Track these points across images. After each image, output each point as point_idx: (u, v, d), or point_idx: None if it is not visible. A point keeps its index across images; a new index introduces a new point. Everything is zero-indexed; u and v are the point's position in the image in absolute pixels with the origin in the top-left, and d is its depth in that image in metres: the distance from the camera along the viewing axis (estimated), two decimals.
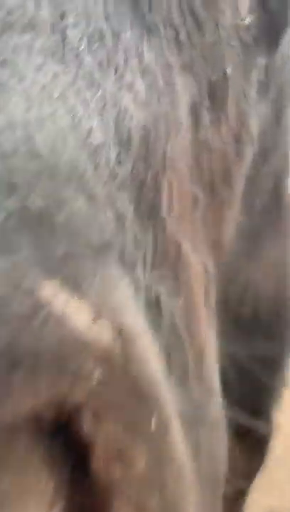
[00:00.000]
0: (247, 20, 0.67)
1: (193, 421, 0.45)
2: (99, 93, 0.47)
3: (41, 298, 0.31)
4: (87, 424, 0.32)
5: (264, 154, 0.81)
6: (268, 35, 0.71)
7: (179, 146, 0.55)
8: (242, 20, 0.67)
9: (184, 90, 0.58)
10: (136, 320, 0.38)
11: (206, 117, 0.61)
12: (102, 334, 0.33)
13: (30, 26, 0.48)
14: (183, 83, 0.58)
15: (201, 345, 0.54)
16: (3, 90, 0.43)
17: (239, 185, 0.71)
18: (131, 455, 0.34)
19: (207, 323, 0.59)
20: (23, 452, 0.31)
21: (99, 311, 0.33)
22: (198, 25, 0.61)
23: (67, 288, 0.32)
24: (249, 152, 0.71)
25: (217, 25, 0.63)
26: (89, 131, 0.44)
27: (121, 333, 0.34)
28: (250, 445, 1.26)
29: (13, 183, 0.36)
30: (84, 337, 0.32)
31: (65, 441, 0.32)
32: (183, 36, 0.59)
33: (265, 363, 1.07)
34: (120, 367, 0.34)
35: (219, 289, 0.69)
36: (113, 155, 0.45)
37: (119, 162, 0.46)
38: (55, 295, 0.32)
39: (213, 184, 0.63)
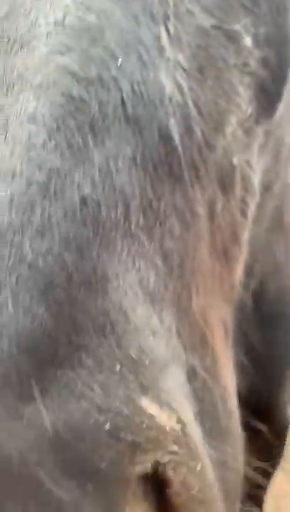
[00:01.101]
0: (249, 111, 0.73)
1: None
2: None
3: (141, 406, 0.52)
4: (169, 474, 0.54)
5: (268, 186, 0.89)
6: (267, 110, 0.77)
7: (202, 251, 0.68)
8: (244, 113, 0.72)
9: (202, 209, 0.67)
10: (187, 404, 0.60)
11: (219, 207, 0.70)
12: (173, 425, 0.55)
13: None
14: (201, 203, 0.67)
15: (225, 385, 0.71)
16: None
17: (245, 236, 0.78)
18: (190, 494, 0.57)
19: (228, 363, 0.76)
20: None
21: (169, 411, 0.54)
22: (211, 149, 0.67)
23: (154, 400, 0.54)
24: (253, 207, 0.79)
25: (225, 136, 0.70)
26: None
27: (180, 421, 0.55)
28: (264, 442, 1.30)
29: None
30: (164, 427, 0.53)
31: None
32: (200, 167, 0.67)
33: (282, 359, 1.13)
34: (183, 443, 0.55)
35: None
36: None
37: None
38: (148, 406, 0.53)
39: (226, 250, 0.73)
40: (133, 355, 0.54)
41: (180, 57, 0.65)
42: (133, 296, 0.55)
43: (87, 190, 0.54)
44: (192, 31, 0.67)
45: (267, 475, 1.42)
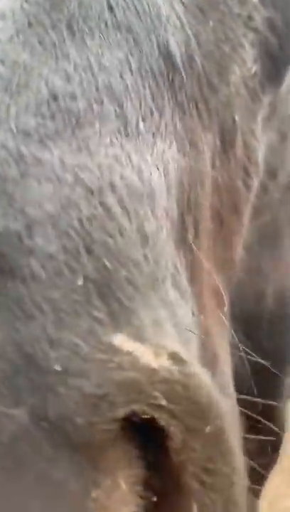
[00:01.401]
0: (253, 69, 0.72)
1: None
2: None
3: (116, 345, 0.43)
4: (164, 422, 0.44)
5: (273, 173, 0.88)
6: (273, 77, 0.75)
7: (204, 193, 0.64)
8: (248, 70, 0.71)
9: (206, 147, 0.65)
10: (188, 346, 0.50)
11: (217, 160, 0.68)
12: (163, 363, 0.44)
13: None
14: (204, 142, 0.65)
15: (215, 352, 0.65)
16: None
17: (247, 213, 0.76)
18: (192, 445, 0.46)
19: (219, 333, 0.69)
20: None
21: (157, 349, 0.45)
22: (213, 90, 0.66)
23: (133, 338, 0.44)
24: (256, 182, 0.77)
25: (228, 84, 0.69)
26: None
27: (174, 359, 0.45)
28: (263, 442, 1.28)
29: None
30: (151, 367, 0.43)
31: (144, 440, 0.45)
32: (201, 104, 0.65)
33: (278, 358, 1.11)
34: (180, 383, 0.45)
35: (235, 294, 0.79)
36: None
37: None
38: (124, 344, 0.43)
39: (221, 216, 0.70)
40: (108, 264, 0.45)
41: None
42: None
43: (58, 83, 0.51)
44: None
45: (263, 475, 1.41)
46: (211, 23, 0.66)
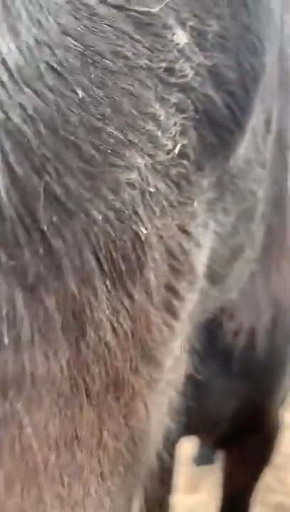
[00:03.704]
0: (177, 148, 0.47)
1: None
2: None
3: None
4: None
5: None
6: (217, 148, 0.52)
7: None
8: (161, 151, 0.46)
9: None
10: None
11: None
12: None
13: None
14: None
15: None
16: None
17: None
18: None
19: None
20: None
21: None
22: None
23: None
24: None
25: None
26: None
27: None
28: (257, 442, 1.34)
29: None
30: None
31: None
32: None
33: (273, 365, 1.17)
34: None
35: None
36: None
37: None
38: None
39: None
40: None
41: None
42: None
43: None
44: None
45: (255, 480, 1.47)
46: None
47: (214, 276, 0.68)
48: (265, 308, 1.09)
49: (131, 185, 0.44)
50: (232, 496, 1.49)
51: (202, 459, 2.49)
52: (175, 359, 0.55)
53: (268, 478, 2.08)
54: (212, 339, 1.00)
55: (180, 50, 0.46)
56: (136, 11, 0.44)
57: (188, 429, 0.89)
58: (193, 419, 0.89)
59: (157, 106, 0.45)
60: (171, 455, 0.64)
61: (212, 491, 2.19)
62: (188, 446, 2.48)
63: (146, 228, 0.45)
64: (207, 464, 2.44)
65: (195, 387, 0.69)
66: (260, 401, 1.22)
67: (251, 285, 1.01)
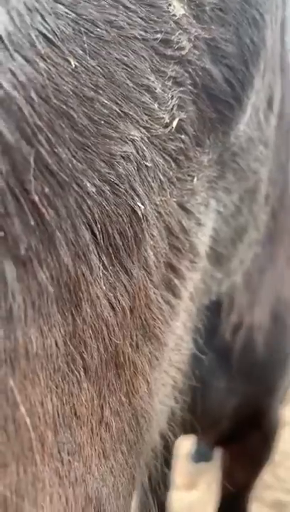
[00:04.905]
0: (174, 123, 0.46)
1: None
2: None
3: None
4: None
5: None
6: (216, 124, 0.51)
7: None
8: (157, 123, 0.45)
9: None
10: None
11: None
12: None
13: None
14: None
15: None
16: None
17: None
18: None
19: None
20: None
21: None
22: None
23: None
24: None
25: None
26: None
27: None
28: (257, 440, 1.33)
29: None
30: None
31: None
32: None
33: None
34: None
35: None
36: None
37: None
38: None
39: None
40: None
41: None
42: None
43: None
44: None
45: (254, 478, 1.46)
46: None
47: (218, 258, 0.67)
48: (265, 300, 1.08)
49: (127, 158, 0.42)
50: (231, 493, 1.49)
51: (200, 457, 2.49)
52: (177, 338, 0.55)
53: (266, 475, 2.07)
54: (211, 336, 1.00)
55: (176, 22, 0.45)
56: None
57: (187, 428, 0.90)
58: (193, 417, 0.88)
59: (152, 78, 0.44)
60: (175, 435, 0.63)
61: (210, 488, 2.18)
62: (185, 444, 2.47)
63: (143, 204, 0.44)
64: (205, 461, 2.43)
65: (194, 387, 0.69)
66: (259, 399, 1.22)
67: (256, 269, 0.99)
